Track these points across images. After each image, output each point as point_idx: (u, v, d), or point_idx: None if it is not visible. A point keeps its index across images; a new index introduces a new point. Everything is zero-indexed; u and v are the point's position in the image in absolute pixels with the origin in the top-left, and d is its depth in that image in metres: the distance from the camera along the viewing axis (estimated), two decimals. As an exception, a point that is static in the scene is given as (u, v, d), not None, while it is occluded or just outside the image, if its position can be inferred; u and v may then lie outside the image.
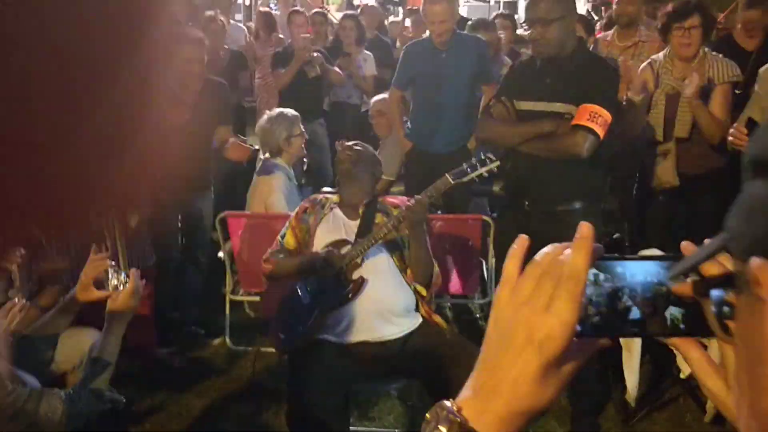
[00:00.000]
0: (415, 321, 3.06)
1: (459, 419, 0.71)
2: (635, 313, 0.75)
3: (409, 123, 4.76)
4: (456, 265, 4.04)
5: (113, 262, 2.15)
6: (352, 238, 3.08)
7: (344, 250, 3.03)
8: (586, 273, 0.71)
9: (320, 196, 3.31)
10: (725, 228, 0.54)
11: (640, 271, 0.75)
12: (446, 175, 2.96)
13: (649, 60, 4.12)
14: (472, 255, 4.05)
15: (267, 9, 7.88)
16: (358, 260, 3.00)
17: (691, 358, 0.80)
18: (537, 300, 0.72)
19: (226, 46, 6.19)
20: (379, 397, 3.64)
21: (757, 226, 0.49)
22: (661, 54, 4.07)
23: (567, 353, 0.71)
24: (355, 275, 3.00)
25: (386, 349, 2.99)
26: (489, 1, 12.03)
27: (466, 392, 0.74)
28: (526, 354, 0.71)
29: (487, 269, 4.11)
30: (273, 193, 4.13)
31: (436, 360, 2.83)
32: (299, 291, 3.05)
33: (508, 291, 0.74)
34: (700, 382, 0.79)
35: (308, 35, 5.92)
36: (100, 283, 2.18)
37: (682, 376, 3.40)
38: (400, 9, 10.76)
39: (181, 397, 3.74)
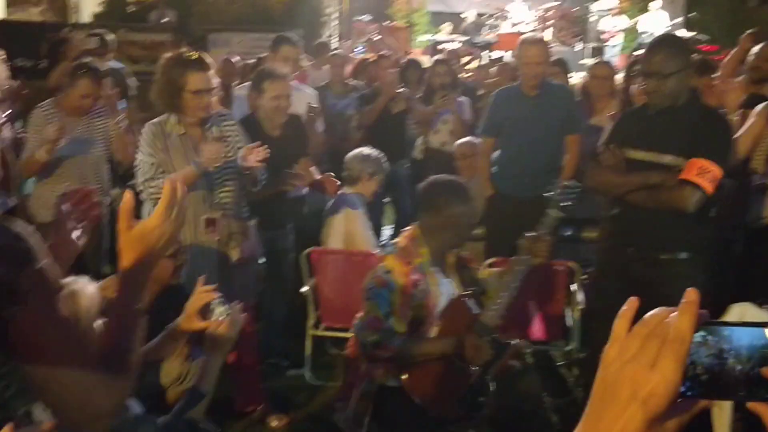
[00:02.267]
0: None
1: None
2: (742, 376, 0.77)
3: (494, 167, 4.75)
4: (539, 311, 4.01)
5: (218, 295, 2.25)
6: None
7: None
8: (692, 335, 0.75)
9: (416, 261, 2.96)
10: None
11: (746, 335, 0.77)
12: (547, 211, 2.91)
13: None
14: (557, 302, 4.01)
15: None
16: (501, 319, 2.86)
17: None
18: (643, 358, 0.75)
19: None
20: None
21: None
22: None
23: (670, 411, 0.75)
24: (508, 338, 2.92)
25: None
26: (573, 47, 12.04)
27: None
28: (630, 410, 0.74)
29: (572, 316, 4.04)
30: (358, 229, 4.19)
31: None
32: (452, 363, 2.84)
33: (616, 349, 0.78)
34: None
35: (394, 71, 5.99)
36: (204, 315, 2.27)
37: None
38: (484, 53, 10.84)
39: (262, 428, 3.80)
